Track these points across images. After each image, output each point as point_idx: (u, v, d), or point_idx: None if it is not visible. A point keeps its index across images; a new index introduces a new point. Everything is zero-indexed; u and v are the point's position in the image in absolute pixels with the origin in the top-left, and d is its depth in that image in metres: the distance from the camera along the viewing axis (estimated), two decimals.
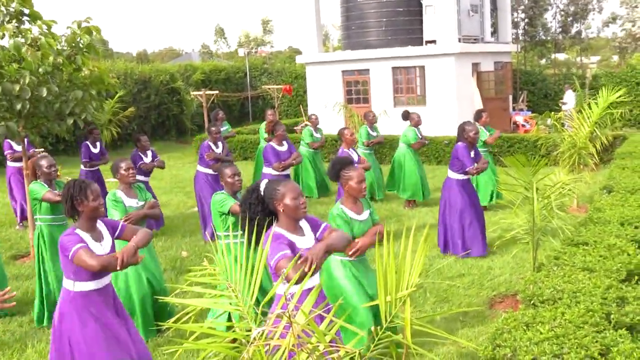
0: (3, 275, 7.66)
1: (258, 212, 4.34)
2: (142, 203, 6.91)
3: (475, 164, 9.00)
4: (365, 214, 5.61)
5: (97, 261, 4.53)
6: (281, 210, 4.33)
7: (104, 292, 4.87)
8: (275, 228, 4.33)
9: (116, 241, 5.05)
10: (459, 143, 9.03)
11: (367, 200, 5.79)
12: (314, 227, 4.56)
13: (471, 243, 9.01)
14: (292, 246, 4.25)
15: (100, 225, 4.98)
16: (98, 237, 4.87)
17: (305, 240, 4.40)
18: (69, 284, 4.78)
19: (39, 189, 7.24)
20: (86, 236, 4.77)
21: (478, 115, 11.91)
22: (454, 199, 9.09)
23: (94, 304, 4.78)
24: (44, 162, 7.36)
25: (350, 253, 5.24)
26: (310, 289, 4.23)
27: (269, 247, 4.11)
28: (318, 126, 14.20)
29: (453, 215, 9.08)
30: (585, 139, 11.19)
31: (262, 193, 4.38)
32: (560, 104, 23.70)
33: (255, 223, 4.31)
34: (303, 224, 4.51)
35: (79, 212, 4.81)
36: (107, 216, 6.54)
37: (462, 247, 9.02)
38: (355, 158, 10.28)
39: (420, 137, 12.56)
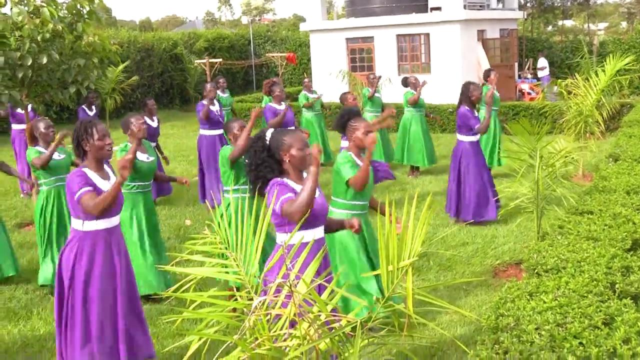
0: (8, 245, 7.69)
1: (264, 158, 4.31)
2: (152, 158, 6.90)
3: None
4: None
5: (96, 208, 4.61)
6: (287, 161, 4.32)
7: (112, 233, 4.92)
8: (279, 179, 4.32)
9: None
10: (461, 108, 8.91)
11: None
12: None
13: (485, 206, 8.94)
14: (294, 192, 4.26)
15: (106, 167, 5.03)
16: (106, 176, 4.93)
17: None
18: (77, 224, 4.83)
19: (30, 153, 7.17)
20: (94, 175, 4.82)
21: (487, 75, 11.79)
22: (467, 162, 8.93)
23: (102, 244, 4.83)
24: (41, 124, 7.29)
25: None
26: (314, 248, 4.24)
27: (275, 196, 4.12)
28: (312, 89, 14.17)
29: (468, 179, 8.94)
30: (591, 107, 11.10)
31: (267, 142, 4.35)
32: (533, 73, 23.69)
33: (259, 173, 4.30)
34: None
35: (85, 152, 4.85)
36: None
37: (474, 213, 8.95)
38: None
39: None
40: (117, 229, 5.01)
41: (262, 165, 4.31)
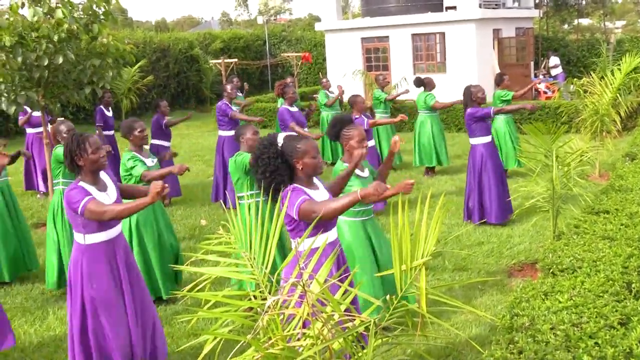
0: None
1: (277, 165, 4.29)
2: (155, 161, 6.92)
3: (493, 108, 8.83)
4: (366, 172, 5.65)
5: (108, 213, 4.54)
6: (300, 168, 4.31)
7: (115, 243, 4.89)
8: (292, 185, 4.32)
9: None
10: (468, 110, 8.83)
11: (366, 161, 5.84)
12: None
13: (507, 206, 8.90)
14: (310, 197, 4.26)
15: (103, 176, 4.98)
16: (103, 188, 4.87)
17: (320, 194, 4.39)
18: (79, 238, 4.81)
19: (60, 151, 7.16)
20: (91, 188, 4.75)
21: (500, 79, 11.72)
22: (486, 165, 8.82)
23: (105, 255, 4.81)
24: (63, 127, 7.32)
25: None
26: (327, 250, 4.24)
27: (288, 200, 4.11)
28: (330, 89, 14.19)
29: (489, 182, 8.81)
30: (607, 106, 11.02)
31: (279, 147, 4.33)
32: (548, 70, 23.54)
33: (273, 180, 4.28)
34: (316, 179, 4.52)
35: (80, 167, 4.78)
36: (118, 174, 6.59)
37: (499, 216, 8.83)
38: (365, 125, 10.05)
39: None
40: (120, 238, 4.97)
41: (276, 172, 4.28)
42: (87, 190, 4.71)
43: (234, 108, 10.95)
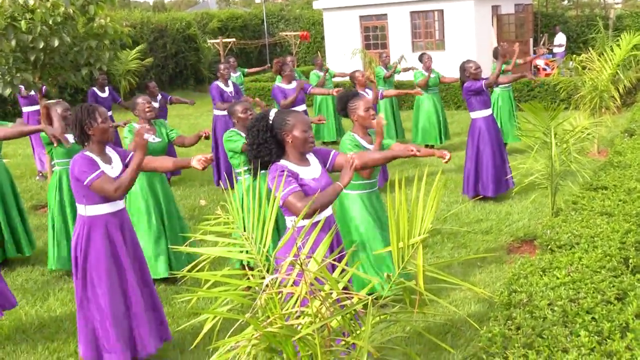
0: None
1: (266, 138, 4.26)
2: (158, 140, 6.88)
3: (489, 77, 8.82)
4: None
5: (120, 190, 4.59)
6: (289, 142, 4.28)
7: (116, 217, 4.89)
8: (280, 163, 4.30)
9: None
10: (465, 84, 8.83)
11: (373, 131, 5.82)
12: (323, 157, 4.54)
13: (503, 180, 8.92)
14: (295, 177, 4.24)
15: (109, 150, 4.98)
16: (108, 160, 4.87)
17: (311, 171, 4.35)
18: (81, 209, 4.82)
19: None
20: (97, 159, 4.77)
21: (497, 52, 11.68)
22: (484, 138, 8.85)
23: (105, 227, 4.82)
24: (59, 108, 7.14)
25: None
26: (324, 229, 4.24)
27: (276, 180, 4.09)
28: (323, 67, 14.15)
29: (486, 155, 8.86)
30: (607, 82, 10.99)
31: (270, 121, 4.32)
32: (549, 49, 23.42)
33: (259, 153, 4.27)
34: (309, 156, 4.47)
35: (89, 136, 4.80)
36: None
37: (494, 189, 8.87)
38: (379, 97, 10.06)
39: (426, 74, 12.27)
40: (122, 212, 4.97)
41: (262, 145, 4.25)
42: (95, 161, 4.72)
43: (228, 88, 10.86)
